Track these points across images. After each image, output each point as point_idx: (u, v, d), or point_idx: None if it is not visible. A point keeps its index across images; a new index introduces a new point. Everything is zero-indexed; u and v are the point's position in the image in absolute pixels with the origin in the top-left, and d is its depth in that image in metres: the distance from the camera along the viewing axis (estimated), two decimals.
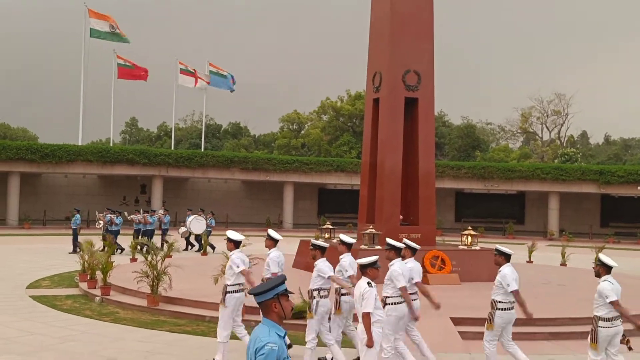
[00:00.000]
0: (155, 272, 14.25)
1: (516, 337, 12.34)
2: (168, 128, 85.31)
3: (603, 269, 8.83)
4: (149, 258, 14.43)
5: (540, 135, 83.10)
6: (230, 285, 10.00)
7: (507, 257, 9.55)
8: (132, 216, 28.45)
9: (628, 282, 20.64)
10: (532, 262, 26.26)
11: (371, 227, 18.80)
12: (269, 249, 10.80)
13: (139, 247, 23.17)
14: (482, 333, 11.90)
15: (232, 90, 55.82)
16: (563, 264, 25.91)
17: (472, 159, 69.01)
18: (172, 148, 54.87)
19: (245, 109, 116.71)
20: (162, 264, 14.43)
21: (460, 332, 12.24)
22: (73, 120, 50.03)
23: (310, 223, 48.86)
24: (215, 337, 11.31)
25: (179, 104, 54.99)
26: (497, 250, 9.72)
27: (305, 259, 20.90)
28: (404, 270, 9.50)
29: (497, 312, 9.32)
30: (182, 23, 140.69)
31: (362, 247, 17.88)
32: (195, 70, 52.77)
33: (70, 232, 27.71)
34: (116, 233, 26.21)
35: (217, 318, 11.54)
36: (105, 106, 56.36)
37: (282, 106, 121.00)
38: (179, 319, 13.35)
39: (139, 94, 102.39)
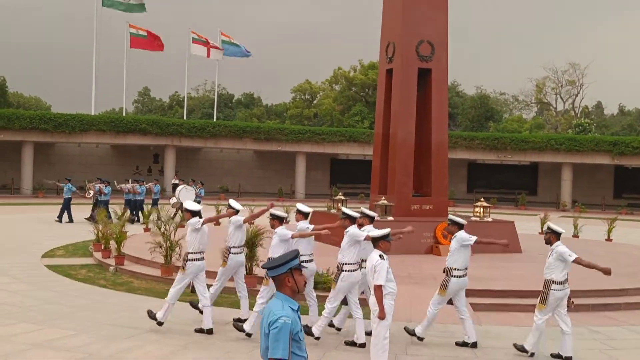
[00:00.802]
0: (168, 242, 14.33)
1: (528, 309, 12.41)
2: (180, 98, 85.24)
3: (553, 236, 9.47)
4: (162, 229, 14.50)
5: (554, 106, 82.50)
6: (192, 253, 10.19)
7: (460, 226, 10.00)
8: (121, 185, 28.19)
9: (638, 255, 20.62)
10: (544, 233, 26.20)
11: (383, 198, 18.83)
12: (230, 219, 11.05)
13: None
14: (495, 305, 12.01)
15: (247, 56, 55.41)
16: (575, 236, 25.85)
17: (485, 129, 68.60)
18: (185, 118, 54.97)
19: (257, 79, 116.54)
20: (175, 234, 14.52)
21: (471, 304, 12.26)
22: (86, 89, 50.16)
23: (322, 193, 48.90)
24: (227, 307, 11.44)
25: (191, 73, 55.18)
26: (450, 220, 10.19)
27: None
28: (359, 235, 9.70)
29: (452, 279, 9.68)
30: None
31: (377, 218, 17.87)
32: (207, 40, 52.48)
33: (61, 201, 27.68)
34: (106, 203, 26.10)
35: (231, 288, 11.65)
36: (118, 75, 56.40)
37: (295, 76, 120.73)
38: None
39: (152, 64, 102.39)
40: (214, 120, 54.13)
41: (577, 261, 9.17)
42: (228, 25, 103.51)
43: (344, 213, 10.04)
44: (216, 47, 52.39)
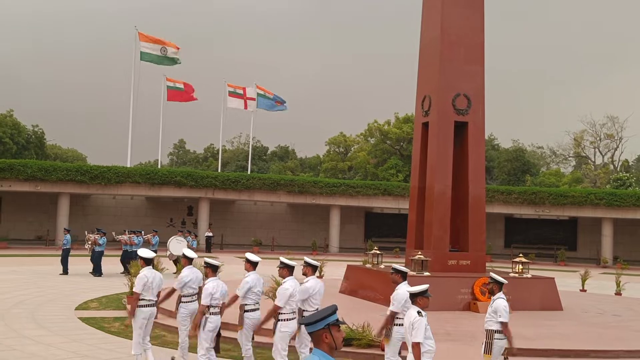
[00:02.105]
0: None
1: None
2: (215, 150, 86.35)
3: (496, 286, 9.74)
4: None
5: (592, 160, 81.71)
6: (141, 299, 10.47)
7: (403, 276, 9.94)
8: (119, 236, 27.74)
9: None
10: (585, 290, 25.70)
11: (420, 252, 18.66)
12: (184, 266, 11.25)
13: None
14: None
15: (281, 109, 55.89)
16: (618, 293, 25.29)
17: (522, 183, 68.12)
18: (219, 170, 55.46)
19: (291, 131, 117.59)
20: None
21: None
22: (122, 141, 51.11)
23: (356, 247, 48.73)
24: None
25: (227, 125, 55.79)
26: (393, 269, 10.07)
27: (352, 285, 20.82)
28: (295, 288, 9.78)
29: (395, 327, 9.67)
30: (229, 44, 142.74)
31: (411, 273, 17.71)
32: (245, 90, 53.14)
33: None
34: (100, 254, 25.96)
35: (264, 343, 11.57)
36: (154, 128, 57.38)
37: (329, 129, 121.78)
38: (225, 343, 13.33)
39: (187, 116, 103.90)
40: (248, 172, 54.57)
41: (502, 326, 9.40)
42: (263, 77, 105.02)
43: (281, 262, 10.10)
44: (252, 99, 53.04)
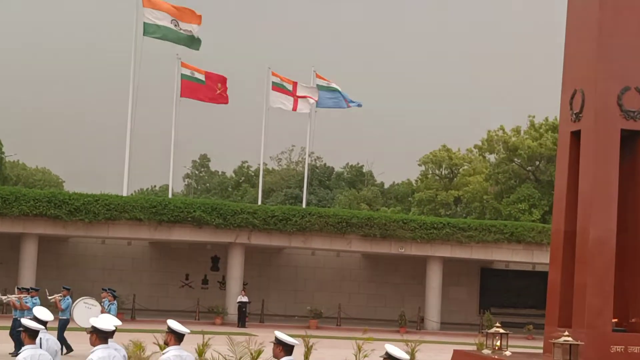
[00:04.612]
0: None
1: None
2: (252, 171, 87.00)
3: None
4: None
5: None
6: None
7: (286, 349, 10.28)
8: (7, 297, 28.03)
9: None
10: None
11: (566, 333, 18.36)
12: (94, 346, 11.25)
13: None
14: None
15: (352, 105, 55.92)
16: None
17: None
18: (259, 202, 55.65)
19: (368, 144, 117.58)
20: None
21: None
22: (116, 159, 51.85)
23: (467, 323, 48.29)
24: None
25: (270, 134, 55.79)
26: (276, 339, 10.42)
27: None
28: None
29: None
30: (277, 20, 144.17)
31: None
32: (295, 85, 53.02)
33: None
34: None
35: None
36: (163, 139, 58.01)
37: (424, 139, 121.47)
38: None
39: (213, 120, 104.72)
40: (303, 205, 54.59)
41: None
42: (325, 69, 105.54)
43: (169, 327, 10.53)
44: (307, 97, 52.80)
